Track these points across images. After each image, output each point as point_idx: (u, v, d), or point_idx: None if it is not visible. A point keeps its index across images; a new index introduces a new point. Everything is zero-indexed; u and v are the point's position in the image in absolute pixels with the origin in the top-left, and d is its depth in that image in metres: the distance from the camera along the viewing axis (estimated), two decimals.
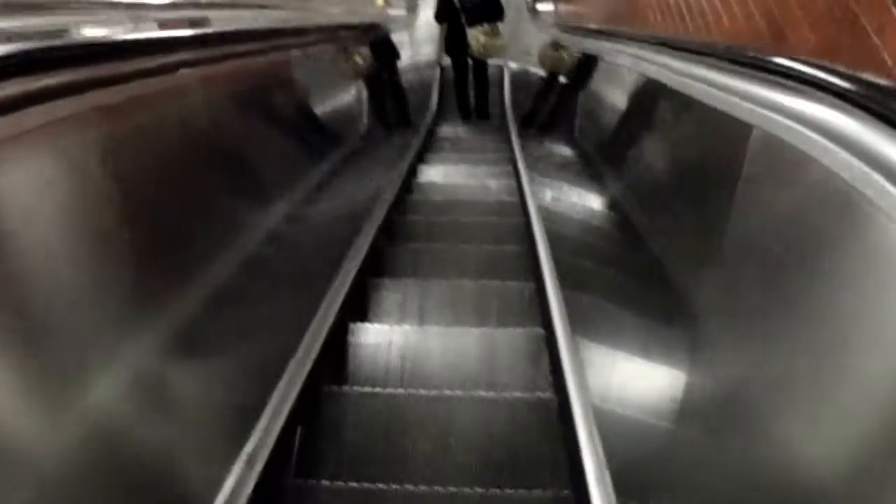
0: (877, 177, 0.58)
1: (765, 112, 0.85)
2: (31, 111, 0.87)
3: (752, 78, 0.90)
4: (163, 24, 2.20)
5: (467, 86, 5.79)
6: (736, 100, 0.96)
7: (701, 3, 1.64)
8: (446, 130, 5.73)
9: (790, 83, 0.79)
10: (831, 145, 0.72)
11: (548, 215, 2.90)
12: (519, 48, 6.10)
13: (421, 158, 4.65)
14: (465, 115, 5.95)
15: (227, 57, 1.67)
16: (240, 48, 1.84)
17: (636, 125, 2.76)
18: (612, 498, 1.21)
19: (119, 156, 1.17)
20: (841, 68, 0.73)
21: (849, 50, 1.06)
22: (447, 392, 1.60)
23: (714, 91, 1.06)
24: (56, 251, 1.00)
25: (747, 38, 1.35)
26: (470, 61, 5.56)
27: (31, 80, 0.88)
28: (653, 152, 2.27)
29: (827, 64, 0.75)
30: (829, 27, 1.08)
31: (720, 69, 1.02)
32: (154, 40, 1.29)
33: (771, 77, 0.84)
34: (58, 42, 1.05)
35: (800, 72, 0.78)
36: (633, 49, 1.72)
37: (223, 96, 2.00)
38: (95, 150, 1.08)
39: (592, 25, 2.81)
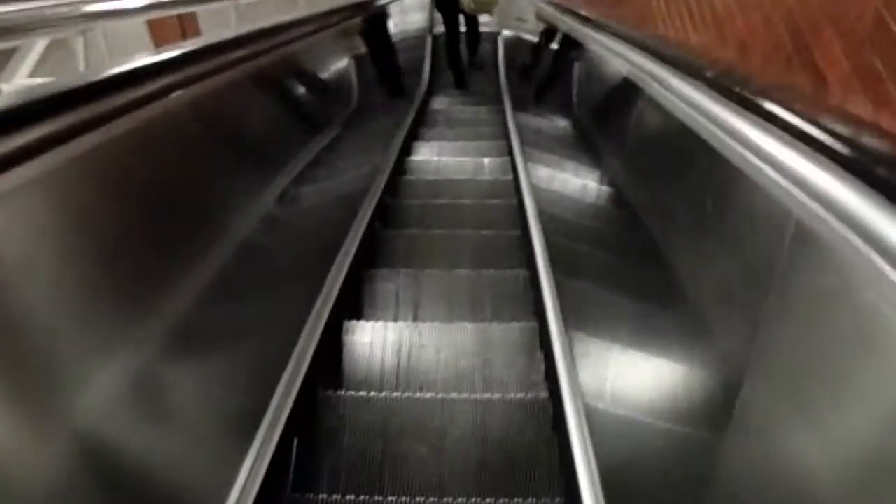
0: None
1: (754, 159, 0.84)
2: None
3: (741, 115, 0.89)
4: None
5: (459, 46, 5.73)
6: (723, 136, 0.95)
7: (714, 3, 1.47)
8: (439, 103, 5.64)
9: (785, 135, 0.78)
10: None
11: (543, 196, 2.88)
12: (513, 15, 5.95)
13: (414, 134, 4.59)
14: (459, 82, 5.87)
15: (228, 66, 1.63)
16: (239, 54, 1.78)
17: (636, 103, 2.70)
18: None
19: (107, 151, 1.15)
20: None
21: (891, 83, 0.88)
22: (441, 395, 1.62)
23: (705, 122, 1.04)
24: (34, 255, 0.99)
25: (763, 45, 1.18)
26: (462, 18, 5.52)
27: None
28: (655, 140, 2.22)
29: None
30: (869, 55, 0.89)
31: (706, 94, 1.00)
32: (153, 66, 1.26)
33: (766, 124, 0.82)
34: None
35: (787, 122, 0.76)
36: (620, 49, 1.66)
37: (213, 93, 1.95)
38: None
39: (583, 12, 2.72)
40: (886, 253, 0.60)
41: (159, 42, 2.45)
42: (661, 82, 1.22)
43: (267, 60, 2.39)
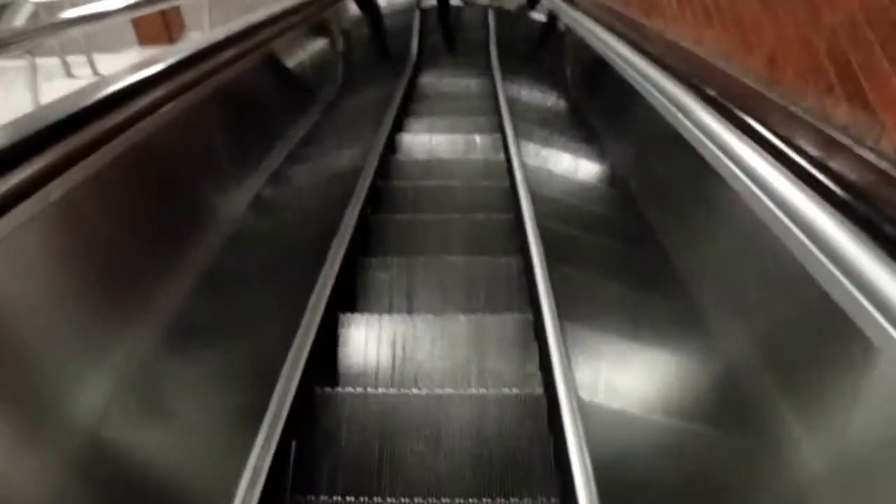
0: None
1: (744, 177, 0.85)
2: None
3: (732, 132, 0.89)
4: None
5: (449, 15, 5.76)
6: (713, 148, 0.95)
7: (736, 2, 1.29)
8: (429, 77, 5.54)
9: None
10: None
11: (536, 177, 2.87)
12: None
13: (405, 110, 4.53)
14: (449, 45, 5.94)
15: (216, 70, 1.59)
16: (228, 54, 1.74)
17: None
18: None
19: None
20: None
21: None
22: (437, 391, 1.64)
23: (692, 127, 1.04)
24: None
25: (798, 65, 1.00)
26: None
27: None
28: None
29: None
30: None
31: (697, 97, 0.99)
32: (142, 81, 1.24)
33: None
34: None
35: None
36: (605, 39, 1.62)
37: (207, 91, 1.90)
38: None
39: None
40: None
41: (144, 38, 2.40)
42: (663, 93, 1.20)
43: (260, 51, 2.34)
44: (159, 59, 1.33)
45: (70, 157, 0.97)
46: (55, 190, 0.94)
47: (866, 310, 0.63)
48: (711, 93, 1.03)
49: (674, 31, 1.60)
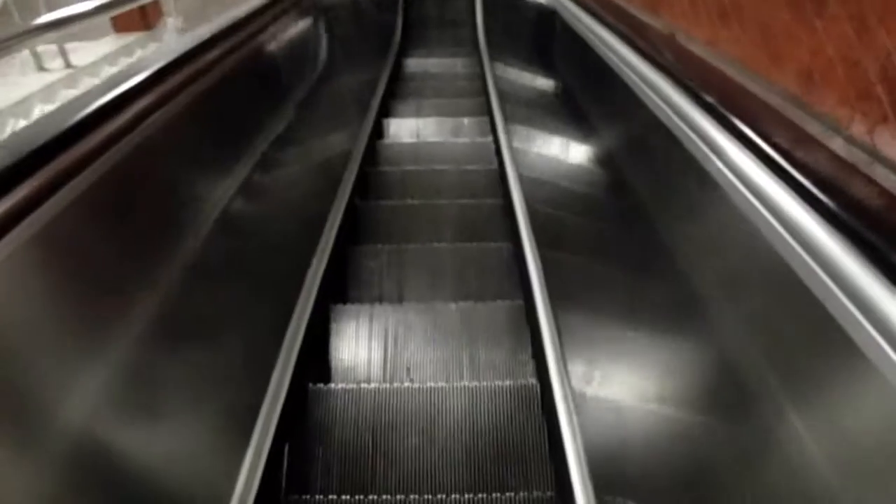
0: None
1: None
2: None
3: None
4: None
5: None
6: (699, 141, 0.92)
7: (758, 4, 1.14)
8: (414, 61, 5.46)
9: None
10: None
11: (525, 160, 2.84)
12: None
13: (391, 93, 4.47)
14: None
15: (199, 72, 1.54)
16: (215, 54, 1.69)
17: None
18: (592, 496, 1.25)
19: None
20: None
21: None
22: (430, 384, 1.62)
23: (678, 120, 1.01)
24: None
25: (840, 87, 0.88)
26: None
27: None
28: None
29: None
30: None
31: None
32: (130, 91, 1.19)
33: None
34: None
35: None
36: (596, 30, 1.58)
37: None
38: None
39: None
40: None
41: (119, 25, 2.35)
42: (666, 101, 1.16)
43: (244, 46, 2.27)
44: (134, 72, 1.28)
45: (58, 177, 0.93)
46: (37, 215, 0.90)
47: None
48: (726, 113, 0.98)
49: (684, 30, 1.50)
